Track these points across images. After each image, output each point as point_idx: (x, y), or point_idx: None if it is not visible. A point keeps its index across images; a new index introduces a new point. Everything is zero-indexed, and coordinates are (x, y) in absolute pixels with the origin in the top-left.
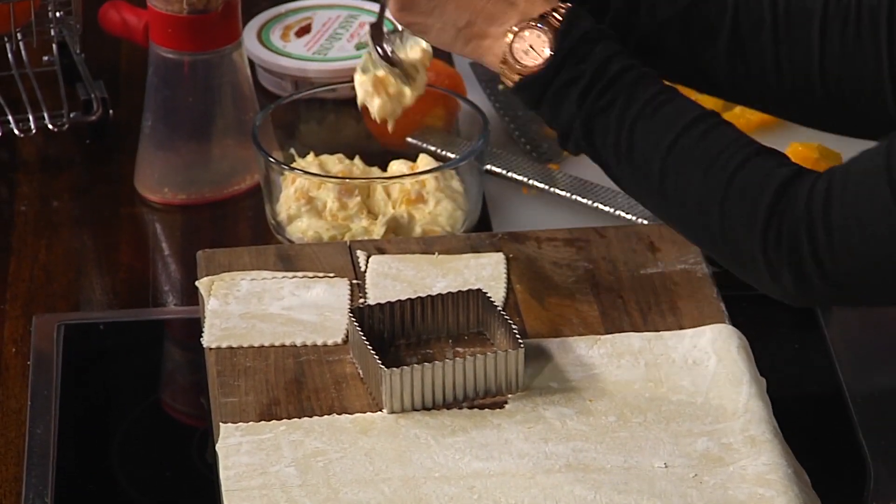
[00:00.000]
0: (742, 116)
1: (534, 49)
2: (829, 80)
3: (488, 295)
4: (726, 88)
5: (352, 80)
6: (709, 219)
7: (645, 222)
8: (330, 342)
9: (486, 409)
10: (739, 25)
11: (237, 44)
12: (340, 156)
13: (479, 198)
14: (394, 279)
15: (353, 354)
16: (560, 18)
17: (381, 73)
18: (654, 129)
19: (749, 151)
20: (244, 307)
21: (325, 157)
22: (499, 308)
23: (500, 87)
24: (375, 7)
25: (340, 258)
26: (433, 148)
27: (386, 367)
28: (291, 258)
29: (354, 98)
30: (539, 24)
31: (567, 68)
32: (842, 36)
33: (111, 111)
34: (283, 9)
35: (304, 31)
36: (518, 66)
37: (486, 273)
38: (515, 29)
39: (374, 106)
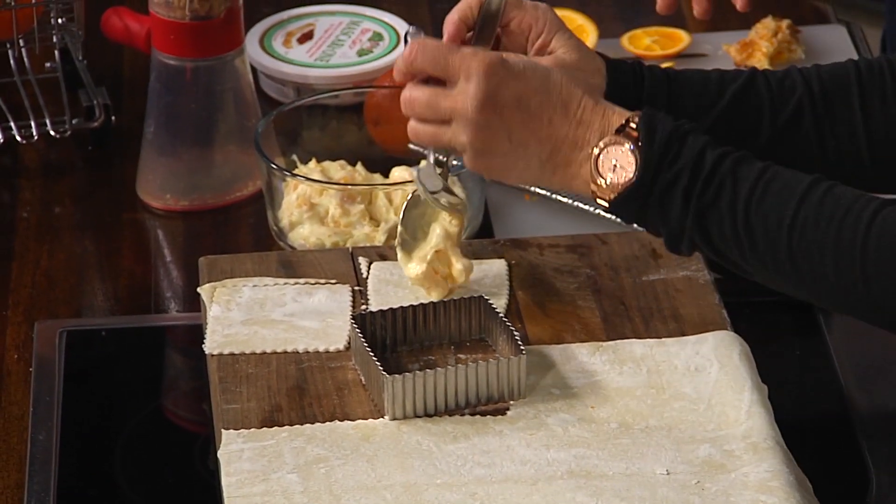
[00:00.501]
0: None
1: (620, 165)
2: (876, 146)
3: (490, 301)
4: None
5: (353, 87)
6: (851, 277)
7: None
8: (332, 349)
9: (489, 416)
10: (778, 115)
11: (239, 50)
12: (342, 162)
13: (481, 204)
14: (396, 286)
15: (355, 361)
16: (637, 126)
17: (426, 263)
18: (770, 208)
19: (875, 205)
20: (246, 314)
21: (327, 164)
22: (501, 315)
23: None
24: (377, 14)
25: (342, 265)
26: (435, 154)
27: (388, 373)
28: (293, 265)
29: (356, 104)
30: (620, 139)
31: (662, 174)
32: (882, 103)
33: (113, 117)
34: (286, 15)
35: (307, 37)
36: (609, 186)
37: (488, 280)
38: (597, 150)
39: (433, 295)
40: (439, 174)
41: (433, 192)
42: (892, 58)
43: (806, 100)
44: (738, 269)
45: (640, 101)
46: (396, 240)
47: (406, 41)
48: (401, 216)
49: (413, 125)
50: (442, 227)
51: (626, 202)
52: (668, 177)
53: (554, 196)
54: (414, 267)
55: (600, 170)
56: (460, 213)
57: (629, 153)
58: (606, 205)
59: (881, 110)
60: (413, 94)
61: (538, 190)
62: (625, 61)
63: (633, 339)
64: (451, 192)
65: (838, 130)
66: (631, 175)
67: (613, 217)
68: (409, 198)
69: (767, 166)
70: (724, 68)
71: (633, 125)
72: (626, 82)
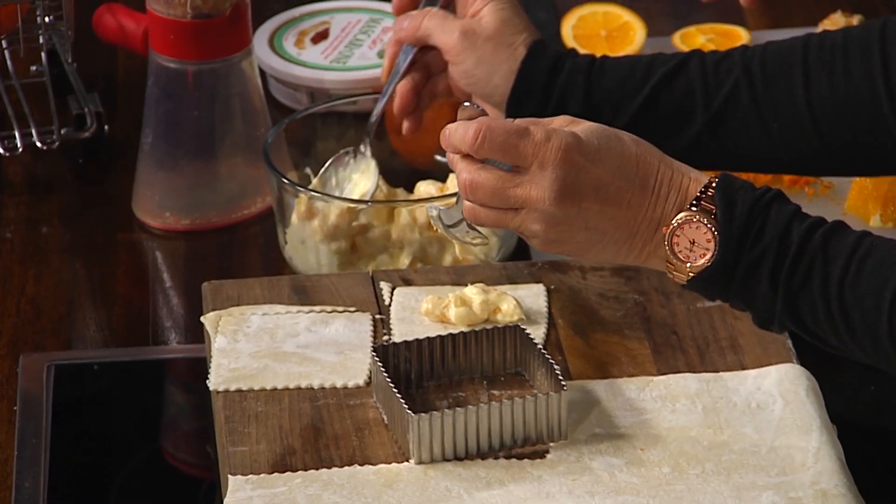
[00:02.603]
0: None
1: (697, 243)
2: (823, 126)
3: (527, 331)
4: (712, 161)
5: (373, 92)
6: None
7: None
8: (351, 384)
9: (525, 460)
10: (712, 97)
11: (246, 51)
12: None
13: None
14: (422, 313)
15: (377, 398)
16: (712, 196)
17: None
18: (866, 289)
19: None
20: (255, 345)
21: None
22: (539, 346)
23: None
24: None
25: (362, 290)
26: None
27: (413, 412)
28: (307, 290)
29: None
30: (696, 214)
31: (745, 253)
32: (830, 81)
33: (106, 126)
34: (298, 12)
35: (321, 36)
36: (688, 267)
37: (524, 307)
38: (673, 226)
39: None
40: (457, 204)
41: (450, 226)
42: (850, 31)
43: (743, 81)
44: (837, 352)
45: (551, 87)
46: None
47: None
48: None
49: (472, 207)
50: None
51: (707, 284)
52: (752, 257)
53: None
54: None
55: (675, 249)
56: (482, 246)
57: (707, 231)
58: (682, 283)
59: (828, 88)
60: (476, 179)
61: None
62: (555, 48)
63: (687, 374)
64: (471, 226)
65: (781, 111)
66: (710, 257)
67: None
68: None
69: (861, 238)
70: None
71: (709, 195)
72: (542, 66)
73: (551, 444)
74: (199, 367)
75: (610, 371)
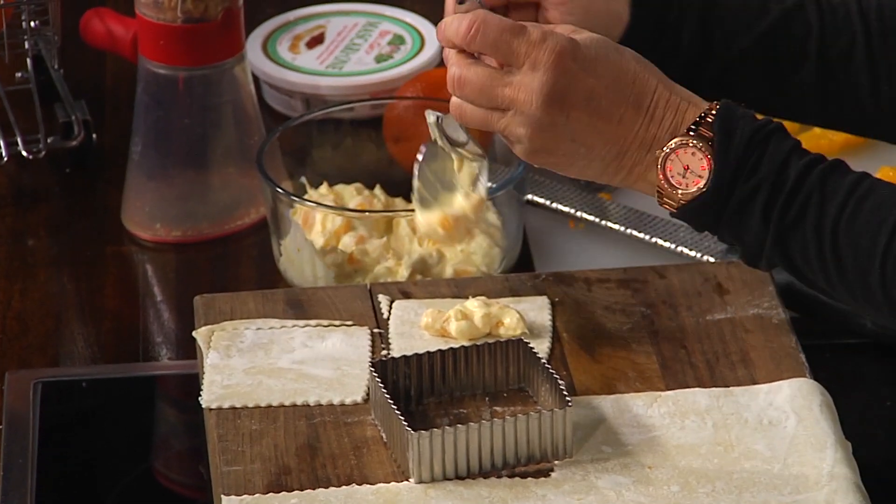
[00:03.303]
0: (824, 137)
1: (691, 170)
2: None
3: (530, 345)
4: (816, 115)
5: (371, 99)
6: None
7: (711, 260)
8: (348, 401)
9: (529, 478)
10: (827, 47)
11: (239, 57)
12: (359, 185)
13: (519, 233)
14: (421, 327)
15: (375, 415)
16: (712, 124)
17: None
18: (861, 230)
19: None
20: (249, 361)
21: (340, 187)
22: (543, 360)
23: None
24: (398, 13)
25: (359, 304)
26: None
27: (413, 429)
28: (303, 304)
29: (374, 118)
30: (692, 140)
31: (740, 185)
32: None
33: (94, 135)
34: (292, 16)
35: (317, 41)
36: (679, 193)
37: (527, 320)
38: (667, 150)
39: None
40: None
41: (456, 145)
42: None
43: (861, 36)
44: (823, 294)
45: (668, 14)
46: (413, 196)
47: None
48: (416, 170)
49: (458, 104)
50: (462, 194)
51: (697, 213)
52: (746, 190)
53: (604, 223)
54: (430, 216)
55: (668, 174)
56: (482, 161)
57: (702, 157)
58: (672, 210)
59: None
60: (465, 75)
61: (585, 216)
62: None
63: (697, 389)
64: (476, 144)
65: (894, 71)
66: (703, 184)
67: (673, 247)
68: (423, 150)
69: (861, 179)
70: None
71: (708, 121)
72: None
73: (556, 462)
74: (191, 383)
75: (616, 386)
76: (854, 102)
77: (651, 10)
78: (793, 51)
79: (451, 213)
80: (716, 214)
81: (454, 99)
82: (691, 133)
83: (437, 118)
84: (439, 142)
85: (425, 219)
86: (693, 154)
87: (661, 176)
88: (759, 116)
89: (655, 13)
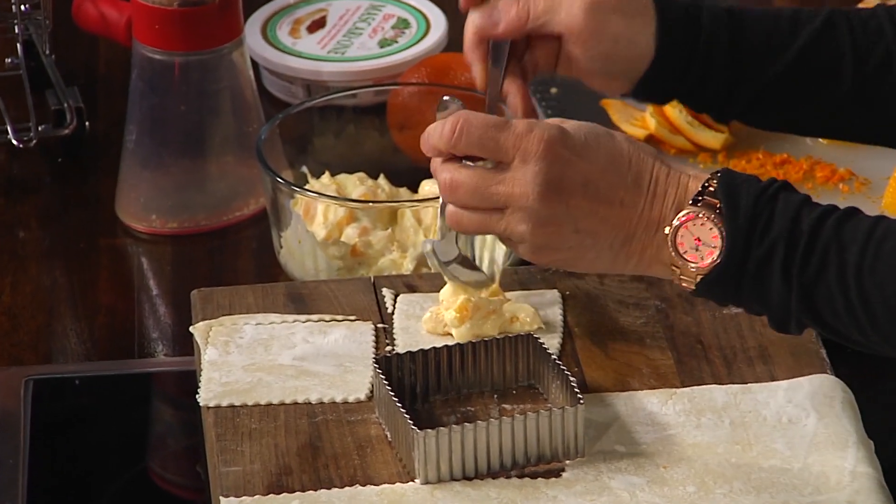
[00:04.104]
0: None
1: (703, 242)
2: None
3: (541, 340)
4: (856, 132)
5: (374, 85)
6: None
7: None
8: (351, 399)
9: (540, 479)
10: (862, 63)
11: (237, 41)
12: (362, 175)
13: None
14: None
15: (379, 413)
16: (716, 191)
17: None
18: (886, 272)
19: None
20: (248, 357)
21: (343, 177)
22: (553, 356)
23: (553, 90)
24: None
25: (363, 298)
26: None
27: (419, 428)
28: (304, 298)
29: (378, 105)
30: (699, 210)
31: (754, 248)
32: None
33: (87, 123)
34: None
35: (318, 25)
36: (694, 268)
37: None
38: (675, 224)
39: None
40: (452, 237)
41: (446, 263)
42: None
43: (894, 44)
44: (862, 348)
45: (696, 44)
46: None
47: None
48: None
49: (455, 212)
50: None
51: (716, 285)
52: (762, 252)
53: None
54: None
55: (680, 250)
56: (483, 288)
57: (712, 227)
58: (691, 288)
59: None
60: (456, 178)
61: None
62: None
63: (713, 385)
64: (471, 266)
65: None
66: (717, 255)
67: None
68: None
69: (877, 222)
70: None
71: (711, 189)
72: (679, 21)
73: (567, 462)
74: (189, 381)
75: (630, 383)
76: (894, 115)
77: (678, 40)
78: (827, 70)
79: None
80: (736, 283)
81: (449, 209)
82: (696, 205)
83: (431, 245)
84: (437, 269)
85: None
86: (702, 225)
87: (674, 253)
88: (762, 179)
89: (682, 43)
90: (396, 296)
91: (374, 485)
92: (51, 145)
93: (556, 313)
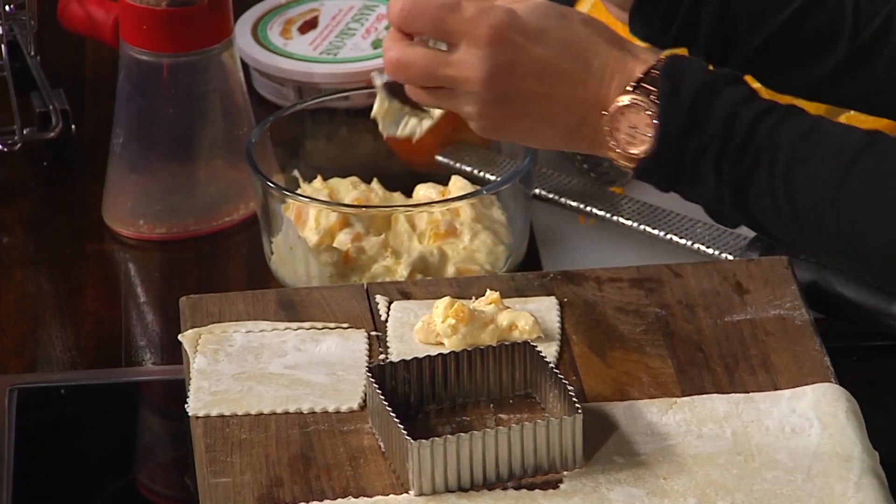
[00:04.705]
0: (855, 119)
1: (637, 129)
2: None
3: (538, 349)
4: (855, 100)
5: (367, 87)
6: None
7: (730, 257)
8: (344, 408)
9: (537, 490)
10: (861, 28)
11: (227, 42)
12: (355, 179)
13: (525, 229)
14: None
15: (373, 423)
16: (655, 78)
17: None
18: (813, 178)
19: None
20: (238, 366)
21: (335, 181)
22: (551, 365)
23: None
24: None
25: (356, 305)
26: (468, 168)
27: (413, 438)
28: (296, 305)
29: (370, 108)
30: (637, 97)
31: (689, 142)
32: None
33: (73, 126)
34: None
35: (310, 25)
36: (631, 153)
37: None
38: (612, 110)
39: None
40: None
41: (394, 96)
42: None
43: None
44: (790, 247)
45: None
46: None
47: None
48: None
49: (409, 90)
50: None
51: (650, 173)
52: (696, 146)
53: (615, 219)
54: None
55: (615, 135)
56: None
57: (648, 117)
58: (631, 172)
59: None
60: (405, 58)
61: (595, 211)
62: None
63: (715, 395)
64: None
65: None
66: (649, 144)
67: (689, 244)
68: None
69: (814, 123)
70: None
71: (653, 75)
72: None
73: (565, 472)
74: (177, 390)
75: (629, 392)
76: (889, 88)
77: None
78: (822, 34)
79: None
80: (671, 174)
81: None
82: (635, 91)
83: (382, 80)
84: (385, 100)
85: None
86: (638, 113)
87: (608, 138)
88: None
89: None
90: (390, 303)
91: (368, 496)
92: (36, 149)
93: (553, 320)
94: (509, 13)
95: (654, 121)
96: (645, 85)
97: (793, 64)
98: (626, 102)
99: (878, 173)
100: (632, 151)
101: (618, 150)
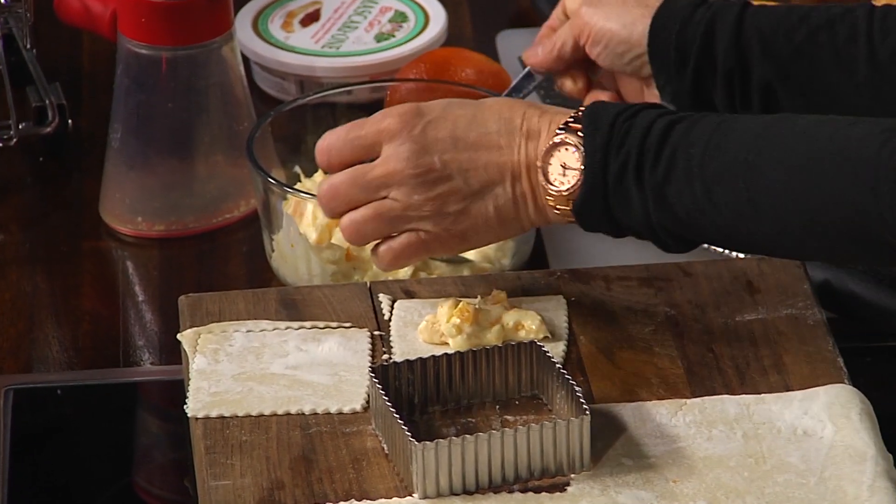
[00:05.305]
0: None
1: (568, 166)
2: None
3: (545, 349)
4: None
5: (370, 81)
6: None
7: (741, 256)
8: (346, 409)
9: (544, 493)
10: (877, 48)
11: (227, 35)
12: None
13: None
14: None
15: (376, 425)
16: (578, 118)
17: None
18: (726, 161)
19: (886, 126)
20: (238, 366)
21: None
22: (558, 365)
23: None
24: None
25: (359, 304)
26: None
27: (417, 440)
28: (297, 304)
29: (374, 102)
30: (565, 137)
31: (611, 163)
32: None
33: (70, 121)
34: None
35: (312, 18)
36: (564, 193)
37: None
38: (543, 154)
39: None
40: None
41: None
42: None
43: None
44: (723, 246)
45: (695, 25)
46: None
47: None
48: None
49: (347, 223)
50: None
51: (587, 207)
52: (617, 164)
53: None
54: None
55: (549, 178)
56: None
57: (574, 150)
58: (570, 217)
59: None
60: (334, 182)
61: None
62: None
63: (725, 396)
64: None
65: None
66: (578, 174)
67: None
68: None
69: (727, 118)
70: None
71: (577, 116)
72: (682, 5)
73: (572, 475)
74: (176, 390)
75: (638, 393)
76: None
77: (670, 22)
78: (839, 52)
79: None
80: (603, 201)
81: (344, 221)
82: (561, 132)
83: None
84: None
85: None
86: (566, 150)
87: (544, 183)
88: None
89: (676, 25)
90: (394, 302)
91: (371, 499)
92: (32, 144)
93: (560, 320)
94: (413, 104)
95: (582, 151)
96: (571, 125)
97: (811, 88)
98: (557, 141)
99: (797, 138)
100: (564, 189)
101: (553, 193)
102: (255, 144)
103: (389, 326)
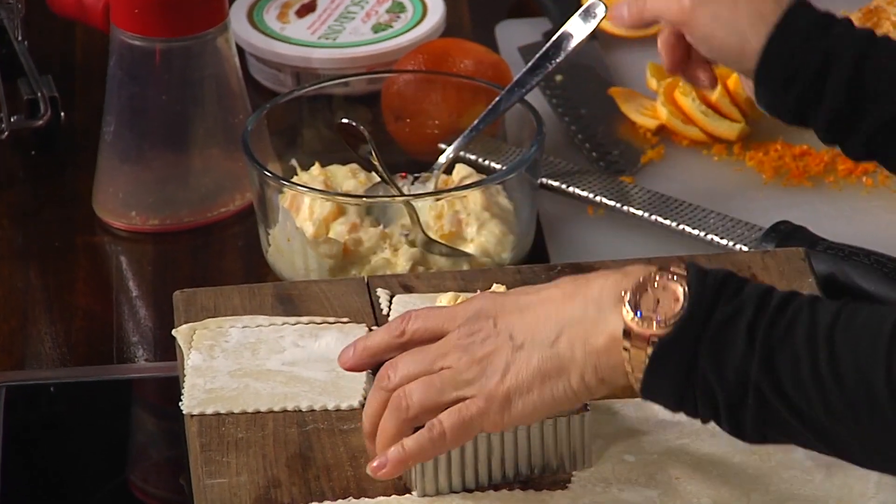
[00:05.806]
0: None
1: (662, 302)
2: None
3: None
4: None
5: (367, 73)
6: None
7: (745, 249)
8: (344, 406)
9: (545, 490)
10: None
11: (222, 26)
12: (354, 167)
13: (532, 220)
14: None
15: None
16: (679, 265)
17: None
18: (860, 332)
19: None
20: (234, 362)
21: (333, 169)
22: None
23: (558, 78)
24: None
25: (356, 299)
26: (473, 157)
27: None
28: (294, 299)
29: (371, 94)
30: (663, 277)
31: (721, 306)
32: None
33: (63, 113)
34: None
35: (308, 9)
36: (653, 326)
37: None
38: (634, 286)
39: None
40: None
41: None
42: None
43: None
44: (812, 434)
45: (814, 50)
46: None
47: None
48: None
49: (397, 397)
50: None
51: (672, 350)
52: (729, 310)
53: (626, 209)
54: None
55: (638, 308)
56: None
57: (676, 287)
58: (645, 362)
59: None
60: (395, 359)
61: (605, 201)
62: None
63: None
64: None
65: None
66: (679, 308)
67: (701, 234)
68: None
69: (849, 300)
70: None
71: (673, 268)
72: (802, 23)
73: (574, 472)
74: (171, 387)
75: None
76: None
77: (792, 39)
78: None
79: None
80: (693, 347)
81: (393, 397)
82: (661, 274)
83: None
84: None
85: None
86: (664, 288)
87: (630, 314)
88: None
89: (797, 44)
90: (392, 297)
91: (369, 497)
92: (23, 138)
93: None
94: (492, 294)
95: (685, 288)
96: (672, 270)
97: None
98: (650, 279)
99: None
100: (658, 319)
101: (633, 327)
102: (250, 137)
103: (387, 321)
